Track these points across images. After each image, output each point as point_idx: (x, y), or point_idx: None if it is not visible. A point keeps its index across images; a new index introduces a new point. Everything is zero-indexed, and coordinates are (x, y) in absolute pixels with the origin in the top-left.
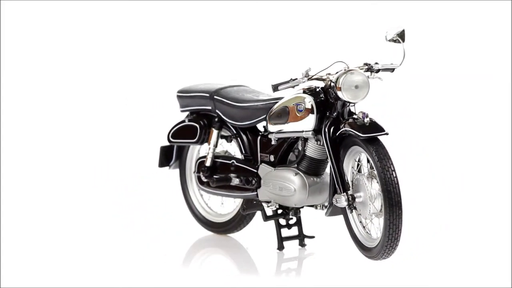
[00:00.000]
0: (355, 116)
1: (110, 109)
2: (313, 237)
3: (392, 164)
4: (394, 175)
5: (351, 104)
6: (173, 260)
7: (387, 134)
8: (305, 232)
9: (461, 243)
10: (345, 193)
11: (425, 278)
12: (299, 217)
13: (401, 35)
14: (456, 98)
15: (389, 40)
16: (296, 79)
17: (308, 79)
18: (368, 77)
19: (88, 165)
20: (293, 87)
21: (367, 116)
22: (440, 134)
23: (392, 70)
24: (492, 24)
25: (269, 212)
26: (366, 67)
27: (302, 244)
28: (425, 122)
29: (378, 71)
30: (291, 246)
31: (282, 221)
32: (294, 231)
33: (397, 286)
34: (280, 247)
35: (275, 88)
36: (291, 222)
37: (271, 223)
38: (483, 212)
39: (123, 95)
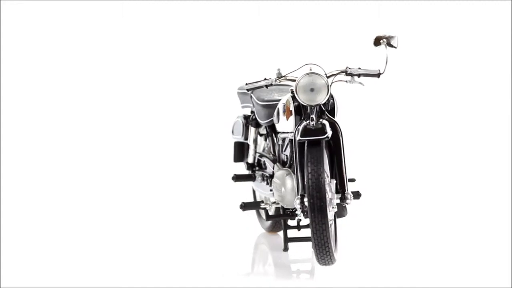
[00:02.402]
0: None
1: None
2: None
3: (320, 169)
4: (319, 180)
5: (313, 107)
6: (174, 260)
7: (326, 138)
8: None
9: (461, 243)
10: (299, 196)
11: (425, 278)
12: None
13: (394, 42)
14: (456, 98)
15: (378, 45)
16: (270, 78)
17: (276, 79)
18: (329, 81)
19: (90, 166)
20: (266, 86)
21: (312, 120)
22: (439, 134)
23: (378, 75)
24: (492, 24)
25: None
26: (346, 71)
27: None
28: (425, 122)
29: (359, 75)
30: (305, 248)
31: (294, 222)
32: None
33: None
34: (285, 248)
35: (247, 88)
36: (302, 223)
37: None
38: (483, 212)
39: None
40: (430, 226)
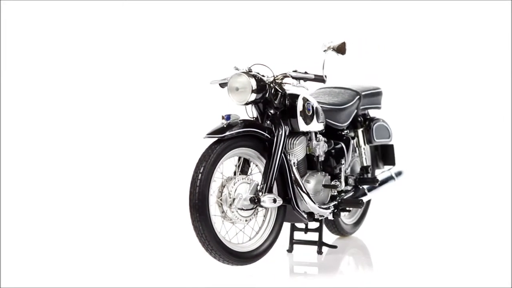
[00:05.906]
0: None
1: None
2: (335, 247)
3: (204, 166)
4: (200, 177)
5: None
6: (174, 260)
7: (222, 138)
8: (331, 241)
9: (461, 243)
10: None
11: (426, 278)
12: (321, 224)
13: (340, 48)
14: (456, 97)
15: (326, 51)
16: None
17: None
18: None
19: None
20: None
21: (223, 118)
22: (439, 134)
23: (323, 81)
24: (492, 24)
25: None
26: (288, 74)
27: (319, 251)
28: (425, 122)
29: (305, 80)
30: (310, 251)
31: (302, 225)
32: (315, 236)
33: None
34: (290, 249)
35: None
36: (310, 227)
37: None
38: (482, 212)
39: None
40: (430, 226)
